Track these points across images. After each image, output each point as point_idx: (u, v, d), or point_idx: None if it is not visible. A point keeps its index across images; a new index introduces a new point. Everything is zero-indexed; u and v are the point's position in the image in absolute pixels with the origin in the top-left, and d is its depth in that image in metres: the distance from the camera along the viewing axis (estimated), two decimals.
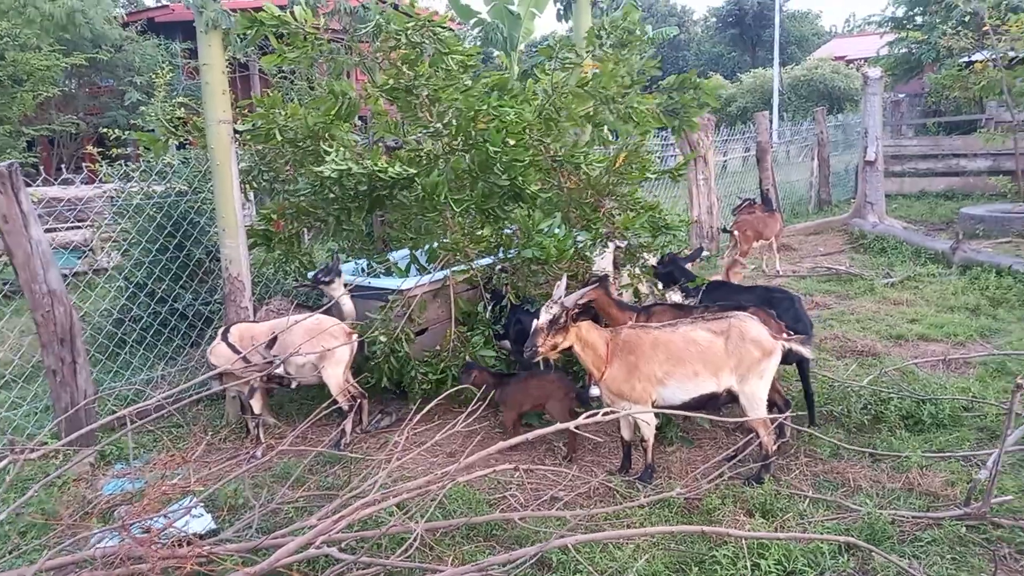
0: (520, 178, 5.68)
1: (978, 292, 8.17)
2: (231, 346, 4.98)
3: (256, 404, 5.18)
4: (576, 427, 3.31)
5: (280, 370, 5.04)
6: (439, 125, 5.80)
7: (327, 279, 5.62)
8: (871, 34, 25.42)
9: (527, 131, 5.83)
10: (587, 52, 6.67)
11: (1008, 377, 5.69)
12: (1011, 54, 13.38)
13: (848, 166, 17.69)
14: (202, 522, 3.95)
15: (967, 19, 16.22)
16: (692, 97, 6.83)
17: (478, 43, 13.05)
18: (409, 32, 5.82)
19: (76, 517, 3.90)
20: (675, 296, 5.95)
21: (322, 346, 5.04)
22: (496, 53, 12.36)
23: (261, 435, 5.22)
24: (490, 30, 12.90)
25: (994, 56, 13.61)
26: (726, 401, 4.42)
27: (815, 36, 51.59)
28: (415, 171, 5.57)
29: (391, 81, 5.70)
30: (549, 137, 6.06)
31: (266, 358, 4.92)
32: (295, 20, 5.80)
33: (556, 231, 5.61)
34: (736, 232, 9.71)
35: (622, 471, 4.62)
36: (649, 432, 4.43)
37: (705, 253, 9.41)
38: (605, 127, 6.71)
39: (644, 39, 6.92)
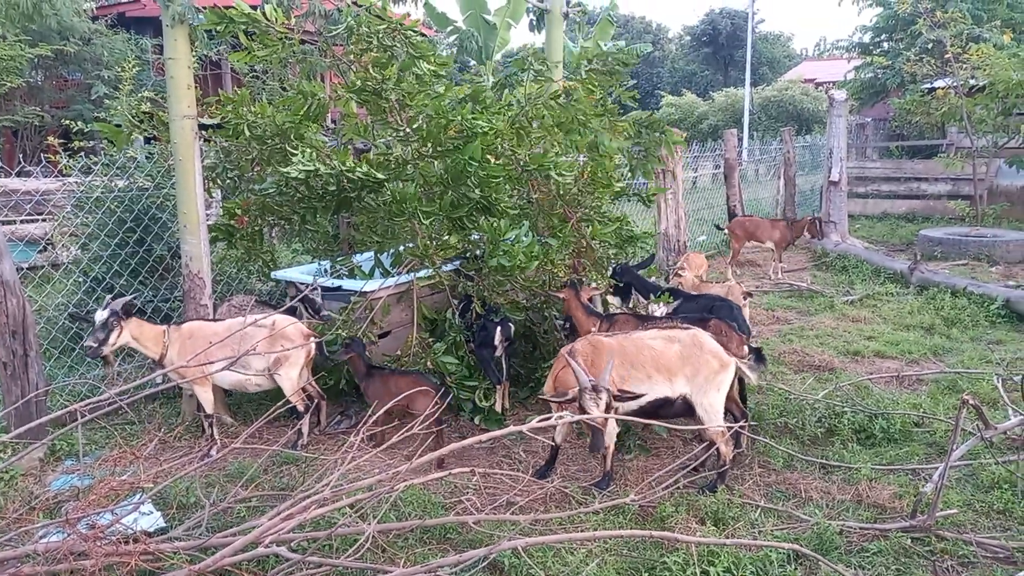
0: (494, 193, 5.70)
1: (933, 312, 8.36)
2: None
3: (207, 403, 5.13)
4: (530, 430, 3.32)
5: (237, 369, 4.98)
6: (408, 130, 5.80)
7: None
8: (840, 58, 25.92)
9: (500, 141, 5.83)
10: (570, 73, 6.72)
11: (958, 394, 5.81)
12: (971, 82, 13.74)
13: (814, 186, 18.00)
14: (151, 519, 3.89)
15: (931, 47, 16.62)
16: (656, 140, 6.73)
17: (453, 51, 13.09)
18: (380, 35, 5.81)
19: (22, 511, 3.82)
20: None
21: (280, 345, 5.01)
22: (472, 62, 12.39)
23: (215, 434, 5.15)
24: (466, 39, 12.95)
25: (955, 83, 13.96)
26: (680, 412, 4.47)
27: (786, 58, 52.57)
28: (383, 175, 5.56)
29: (359, 83, 5.69)
30: (521, 147, 6.08)
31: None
32: (265, 19, 5.77)
33: (524, 239, 5.63)
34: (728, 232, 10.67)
35: (541, 476, 4.63)
36: (609, 440, 4.45)
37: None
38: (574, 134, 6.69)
39: (625, 72, 6.98)
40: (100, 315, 4.74)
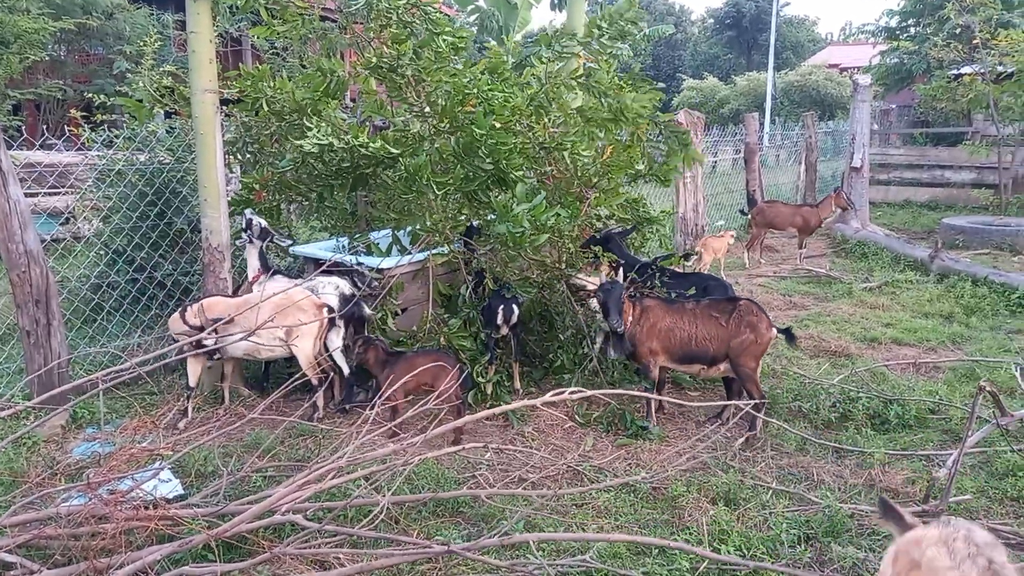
0: (504, 162, 5.68)
1: (953, 300, 8.29)
2: (187, 323, 5.07)
3: (191, 375, 5.23)
4: (543, 404, 3.34)
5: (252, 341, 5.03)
6: (425, 106, 5.80)
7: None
8: (865, 43, 25.56)
9: (516, 116, 5.80)
10: (584, 43, 6.64)
11: (975, 382, 5.75)
12: (999, 68, 13.52)
13: (835, 172, 17.83)
14: (170, 486, 3.96)
15: (959, 32, 16.34)
16: (677, 151, 6.61)
17: (474, 31, 13.03)
18: (400, 11, 5.80)
19: (44, 476, 3.90)
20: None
21: (298, 319, 5.05)
22: (491, 42, 12.32)
23: (189, 408, 5.26)
24: (486, 18, 12.91)
25: (983, 70, 13.76)
26: None
27: (811, 42, 51.85)
28: (397, 150, 5.56)
29: (374, 60, 5.68)
30: (539, 124, 6.05)
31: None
32: None
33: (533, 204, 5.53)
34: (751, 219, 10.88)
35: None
36: None
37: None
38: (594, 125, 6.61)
39: (640, 35, 6.88)
40: None
